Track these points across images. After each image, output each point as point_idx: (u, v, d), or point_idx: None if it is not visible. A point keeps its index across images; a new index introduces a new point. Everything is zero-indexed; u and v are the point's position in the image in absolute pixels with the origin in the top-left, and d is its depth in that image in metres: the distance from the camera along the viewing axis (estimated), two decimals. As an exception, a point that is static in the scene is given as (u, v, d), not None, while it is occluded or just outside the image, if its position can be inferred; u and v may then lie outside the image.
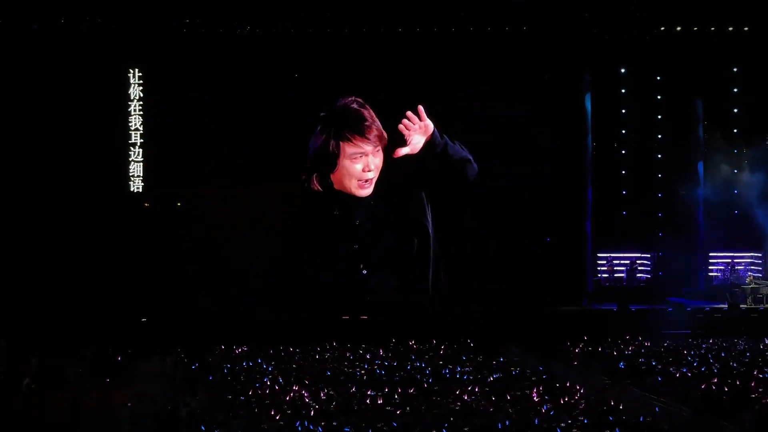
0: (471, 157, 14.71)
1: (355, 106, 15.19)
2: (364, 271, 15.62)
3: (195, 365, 12.14)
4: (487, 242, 17.96)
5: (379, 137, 15.15)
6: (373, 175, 15.33)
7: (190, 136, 17.69)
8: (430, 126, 14.00)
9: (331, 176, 15.29)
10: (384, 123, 15.40)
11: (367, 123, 15.07)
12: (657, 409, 9.37)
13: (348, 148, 15.11)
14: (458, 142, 14.53)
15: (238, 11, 17.56)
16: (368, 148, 15.16)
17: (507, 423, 8.58)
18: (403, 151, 14.13)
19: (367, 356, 12.85)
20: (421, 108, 13.70)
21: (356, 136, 15.06)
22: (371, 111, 15.23)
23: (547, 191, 18.25)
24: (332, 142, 15.08)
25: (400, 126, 13.79)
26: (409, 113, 13.74)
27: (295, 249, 16.58)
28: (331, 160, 15.17)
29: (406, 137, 13.84)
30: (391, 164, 15.10)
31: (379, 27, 17.78)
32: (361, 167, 15.23)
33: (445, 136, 14.27)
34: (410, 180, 15.21)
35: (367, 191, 15.43)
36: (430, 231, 15.68)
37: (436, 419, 8.81)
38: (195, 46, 17.72)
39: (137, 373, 12.13)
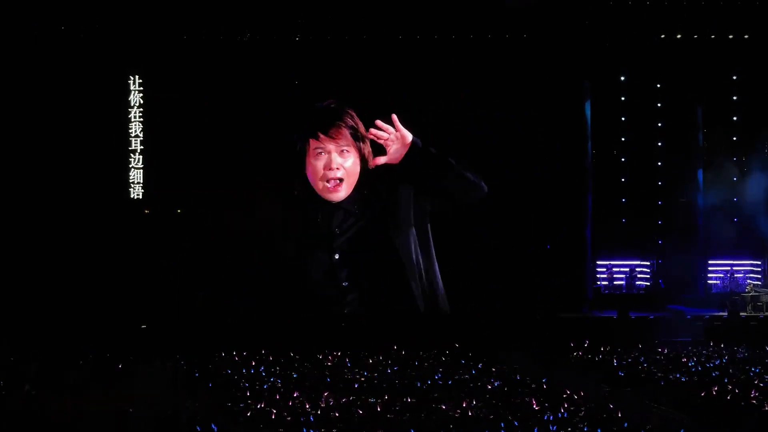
0: (474, 179, 14.34)
1: (326, 105, 15.07)
2: (345, 283, 15.37)
3: (195, 371, 12.14)
4: (486, 248, 17.96)
5: (347, 137, 14.86)
6: (341, 175, 14.99)
7: (191, 142, 17.73)
8: (408, 136, 13.75)
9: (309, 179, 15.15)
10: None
11: (333, 120, 14.85)
12: (657, 416, 9.38)
13: (312, 144, 14.93)
14: (463, 161, 14.23)
15: (239, 18, 17.61)
16: (330, 146, 14.87)
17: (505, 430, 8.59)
18: (381, 159, 13.94)
19: (368, 363, 12.86)
20: (394, 117, 13.56)
21: (319, 132, 14.88)
22: (349, 112, 15.04)
23: (547, 198, 18.26)
24: (301, 140, 14.99)
25: (369, 134, 13.68)
26: (378, 122, 13.58)
27: (282, 258, 16.43)
28: (300, 157, 15.00)
29: (385, 146, 13.69)
30: (377, 173, 15.00)
31: (379, 35, 17.83)
32: (323, 165, 14.95)
33: (432, 150, 14.02)
34: (395, 189, 15.00)
35: (337, 195, 15.03)
36: (412, 246, 15.43)
37: (436, 426, 8.82)
38: (195, 52, 17.76)
39: (137, 378, 12.13)
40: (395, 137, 13.64)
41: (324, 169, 14.91)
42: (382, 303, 15.40)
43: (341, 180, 15.03)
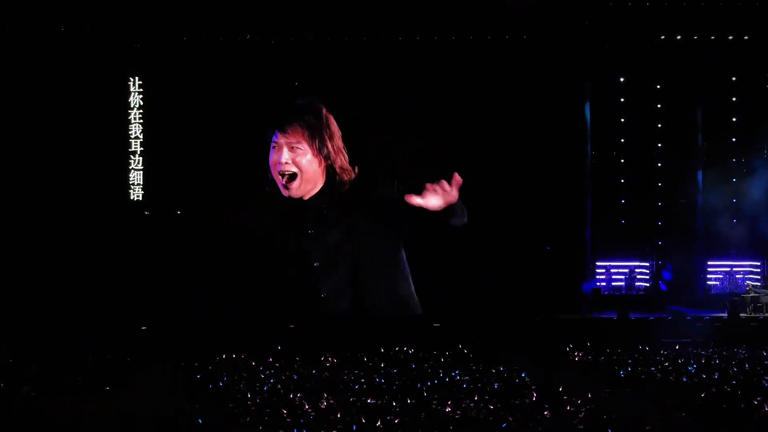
0: (464, 217, 14.46)
1: (299, 101, 15.32)
2: (323, 294, 15.49)
3: (195, 373, 12.14)
4: (486, 248, 17.94)
5: (302, 134, 15.12)
6: (293, 170, 15.23)
7: (191, 144, 17.72)
8: (454, 196, 13.49)
9: None
10: (385, 128, 15.50)
11: (290, 117, 15.16)
12: (657, 417, 9.38)
13: (272, 139, 15.29)
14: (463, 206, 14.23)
15: (238, 19, 17.61)
16: (282, 141, 15.19)
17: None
18: (415, 200, 13.62)
19: (368, 365, 12.86)
20: (456, 176, 13.31)
21: (276, 129, 15.22)
22: (316, 109, 15.22)
23: (547, 198, 18.26)
24: (267, 135, 15.28)
25: (428, 185, 13.40)
26: (442, 182, 13.28)
27: (273, 259, 16.43)
28: (268, 149, 15.35)
29: (426, 192, 13.44)
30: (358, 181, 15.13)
31: (379, 35, 17.84)
32: (275, 159, 15.28)
33: (461, 211, 13.95)
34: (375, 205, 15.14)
35: (291, 191, 15.36)
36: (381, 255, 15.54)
37: (436, 428, 8.82)
38: (195, 54, 17.76)
39: (137, 380, 12.13)
40: (445, 192, 13.33)
41: (276, 163, 15.25)
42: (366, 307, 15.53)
43: (293, 175, 15.26)
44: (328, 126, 15.24)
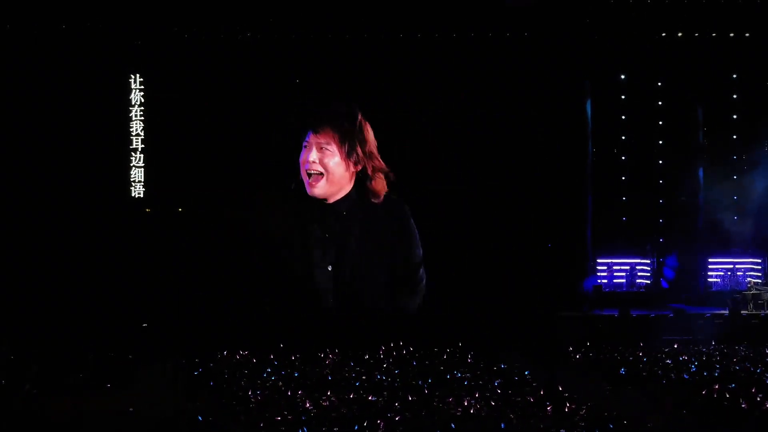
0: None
1: (335, 105, 15.46)
2: (331, 299, 15.60)
3: (197, 371, 12.15)
4: (486, 248, 17.94)
5: (333, 137, 15.27)
6: (319, 170, 15.40)
7: (192, 141, 17.72)
8: None
9: None
10: (385, 126, 15.53)
11: (325, 120, 15.34)
12: (658, 415, 9.38)
13: (304, 139, 15.50)
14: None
15: (240, 16, 17.61)
16: (312, 140, 15.41)
17: (507, 429, 8.59)
18: None
19: (368, 362, 12.87)
20: None
21: (309, 129, 15.42)
22: (350, 115, 15.32)
23: (547, 197, 18.25)
24: (299, 133, 15.47)
25: None
26: None
27: (280, 258, 16.46)
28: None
29: None
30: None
31: (380, 34, 17.84)
32: (305, 157, 15.47)
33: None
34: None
35: (315, 190, 15.59)
36: (417, 253, 15.74)
37: (437, 424, 8.82)
38: (196, 51, 17.76)
39: (138, 379, 12.13)
40: None
41: (304, 162, 15.43)
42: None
43: (320, 175, 15.40)
44: (361, 131, 15.40)
